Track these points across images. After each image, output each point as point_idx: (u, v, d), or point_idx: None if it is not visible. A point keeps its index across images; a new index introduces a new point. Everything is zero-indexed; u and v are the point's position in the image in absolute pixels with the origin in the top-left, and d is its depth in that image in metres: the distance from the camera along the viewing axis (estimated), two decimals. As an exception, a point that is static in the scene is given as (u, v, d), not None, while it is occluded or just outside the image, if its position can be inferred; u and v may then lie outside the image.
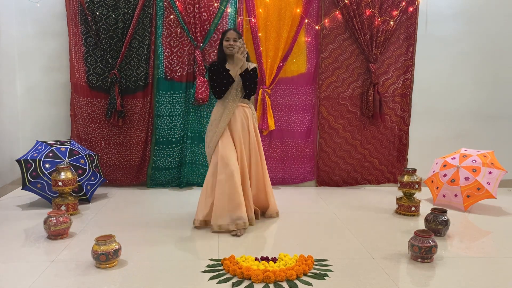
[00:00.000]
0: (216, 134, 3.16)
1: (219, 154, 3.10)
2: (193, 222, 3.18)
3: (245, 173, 3.18)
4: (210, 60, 4.26)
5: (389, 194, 4.26)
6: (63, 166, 3.44)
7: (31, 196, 3.87)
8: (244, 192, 3.13)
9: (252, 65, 3.22)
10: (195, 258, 2.67)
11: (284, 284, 2.32)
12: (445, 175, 3.88)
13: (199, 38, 4.18)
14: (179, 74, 4.25)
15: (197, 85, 4.16)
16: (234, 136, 3.19)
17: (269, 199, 3.42)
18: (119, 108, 4.16)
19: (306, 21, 4.29)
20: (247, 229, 3.10)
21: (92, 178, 3.82)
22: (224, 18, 4.23)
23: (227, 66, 3.21)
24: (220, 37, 4.19)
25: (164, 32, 4.20)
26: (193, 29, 4.16)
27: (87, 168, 3.80)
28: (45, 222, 2.90)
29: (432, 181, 4.01)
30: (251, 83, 3.16)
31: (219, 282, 2.35)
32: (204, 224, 3.15)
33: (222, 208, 3.04)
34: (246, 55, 3.16)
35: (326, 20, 4.33)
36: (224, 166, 3.07)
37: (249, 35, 4.25)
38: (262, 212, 3.47)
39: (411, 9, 4.35)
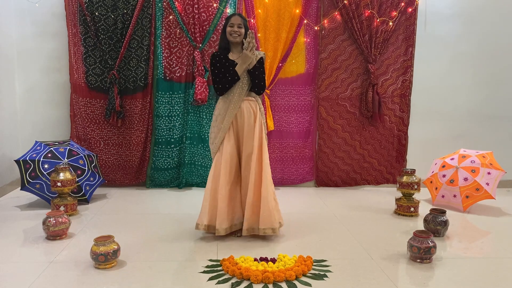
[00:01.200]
0: (222, 130, 2.95)
1: (223, 154, 2.94)
2: (196, 226, 2.96)
3: (250, 174, 2.96)
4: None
5: (388, 195, 4.26)
6: (62, 166, 3.44)
7: (30, 197, 3.86)
8: (244, 193, 3.03)
9: (259, 55, 2.96)
10: (194, 258, 2.67)
11: (283, 284, 2.32)
12: (444, 176, 3.89)
13: (198, 39, 4.18)
14: (178, 74, 4.25)
15: (196, 86, 4.16)
16: (240, 134, 2.99)
17: (266, 203, 2.92)
18: (118, 109, 4.16)
19: (305, 21, 4.30)
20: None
21: (91, 179, 3.82)
22: (223, 19, 4.22)
23: (231, 56, 2.94)
24: (219, 37, 4.24)
25: (163, 33, 4.19)
26: (192, 30, 4.16)
27: (86, 168, 3.80)
28: (44, 223, 2.90)
29: (431, 182, 4.01)
30: (260, 80, 2.92)
31: (218, 282, 2.34)
32: (207, 229, 2.93)
33: (226, 211, 2.93)
34: (254, 52, 2.87)
35: (325, 21, 4.33)
36: (227, 168, 2.94)
37: (248, 35, 4.25)
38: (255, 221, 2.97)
39: (410, 9, 4.36)
